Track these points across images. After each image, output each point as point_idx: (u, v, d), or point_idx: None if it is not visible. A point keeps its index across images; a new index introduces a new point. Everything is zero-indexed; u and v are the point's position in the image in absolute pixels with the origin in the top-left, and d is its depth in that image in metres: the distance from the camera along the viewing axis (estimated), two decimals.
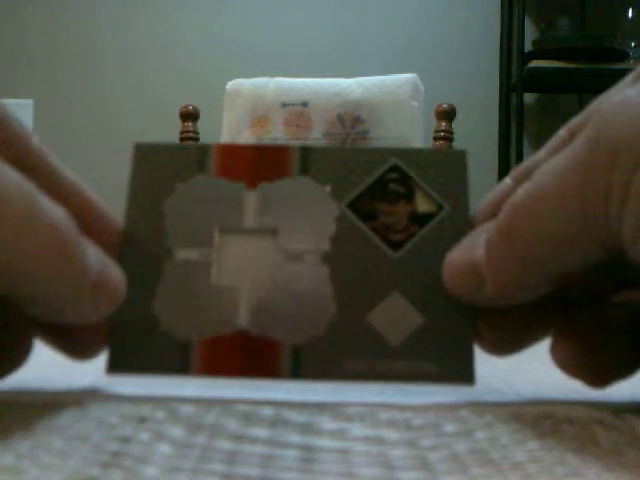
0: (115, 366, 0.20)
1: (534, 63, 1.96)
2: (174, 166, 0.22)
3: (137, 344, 0.20)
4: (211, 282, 0.21)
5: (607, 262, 0.19)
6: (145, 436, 0.16)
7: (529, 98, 2.19)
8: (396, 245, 0.21)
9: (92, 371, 0.25)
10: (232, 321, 0.20)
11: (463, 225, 0.21)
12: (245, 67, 2.06)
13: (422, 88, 1.62)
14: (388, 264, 0.21)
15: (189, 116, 1.66)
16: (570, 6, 2.18)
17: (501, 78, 2.11)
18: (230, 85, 1.66)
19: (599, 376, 0.20)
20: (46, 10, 2.21)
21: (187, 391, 0.21)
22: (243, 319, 0.20)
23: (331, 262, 0.21)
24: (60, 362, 0.27)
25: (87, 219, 0.20)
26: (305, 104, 1.59)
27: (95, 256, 0.19)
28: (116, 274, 0.19)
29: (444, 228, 0.21)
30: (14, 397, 0.19)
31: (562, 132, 0.21)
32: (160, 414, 0.18)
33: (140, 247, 0.21)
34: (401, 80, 1.58)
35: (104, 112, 2.20)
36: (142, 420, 0.17)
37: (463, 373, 0.20)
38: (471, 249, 0.20)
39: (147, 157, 0.22)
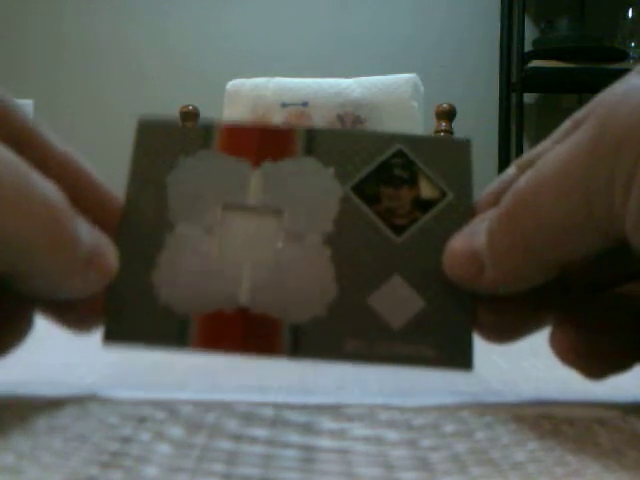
0: (111, 337, 0.20)
1: (534, 63, 1.97)
2: (178, 141, 0.22)
3: (135, 315, 0.20)
4: (212, 258, 0.21)
5: (609, 254, 0.19)
6: (145, 436, 0.16)
7: (529, 98, 2.19)
8: (399, 229, 0.21)
9: (92, 371, 0.25)
10: (233, 298, 0.20)
11: (466, 212, 0.21)
12: (245, 67, 2.06)
13: (422, 88, 1.62)
14: (390, 248, 0.21)
15: (189, 116, 1.66)
16: (570, 6, 2.19)
17: (501, 78, 2.11)
18: (230, 85, 1.66)
19: (597, 367, 0.20)
20: (46, 10, 2.21)
21: (187, 393, 0.21)
22: (244, 296, 0.20)
23: (333, 244, 0.21)
24: (61, 363, 0.27)
25: (84, 193, 0.20)
26: (305, 104, 1.59)
27: (88, 232, 0.19)
28: (109, 250, 0.19)
29: (447, 215, 0.21)
30: (14, 397, 0.19)
31: (568, 123, 0.21)
32: (160, 414, 0.17)
33: (141, 219, 0.21)
34: (401, 80, 1.58)
35: (104, 112, 2.20)
36: (142, 420, 0.17)
37: (461, 358, 0.20)
38: (472, 236, 0.20)
39: (150, 132, 0.22)
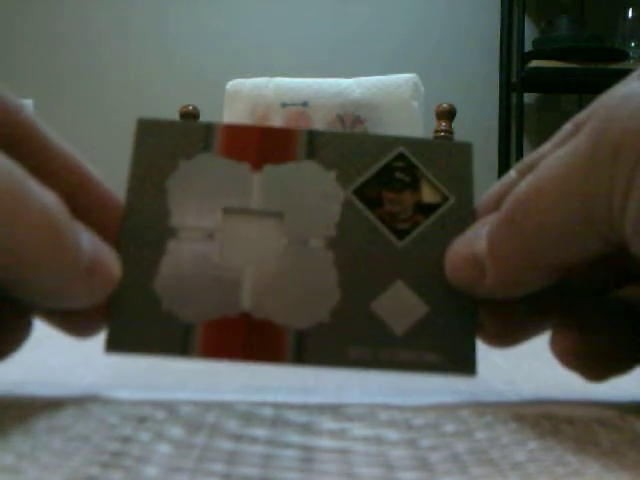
0: (114, 345, 0.20)
1: (534, 63, 1.96)
2: (178, 143, 0.22)
3: (137, 323, 0.20)
4: (214, 263, 0.21)
5: (609, 257, 0.19)
6: (145, 436, 0.16)
7: (529, 98, 2.19)
8: (401, 234, 0.21)
9: (92, 371, 0.25)
10: (235, 303, 0.20)
11: (467, 217, 0.21)
12: (245, 67, 2.06)
13: (422, 88, 1.62)
14: (393, 252, 0.21)
15: (189, 116, 1.66)
16: (570, 6, 2.18)
17: (501, 78, 2.11)
18: (230, 85, 1.66)
19: (596, 369, 0.20)
20: (46, 10, 2.21)
21: (187, 393, 0.21)
22: (246, 302, 0.20)
23: (336, 248, 0.21)
24: (60, 363, 0.27)
25: (84, 192, 0.20)
26: (305, 104, 1.59)
27: (88, 240, 0.18)
28: (110, 258, 0.19)
29: (449, 219, 0.21)
30: (14, 397, 0.19)
31: (568, 126, 0.21)
32: (160, 414, 0.17)
33: (142, 224, 0.21)
34: (401, 80, 1.58)
35: (104, 112, 2.20)
36: (142, 420, 0.17)
37: (465, 364, 0.20)
38: (473, 241, 0.20)
39: (150, 133, 0.22)
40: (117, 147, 2.07)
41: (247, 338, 0.20)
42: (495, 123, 2.10)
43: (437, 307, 0.21)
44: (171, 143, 0.22)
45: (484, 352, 0.22)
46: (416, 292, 0.21)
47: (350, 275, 0.21)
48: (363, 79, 1.60)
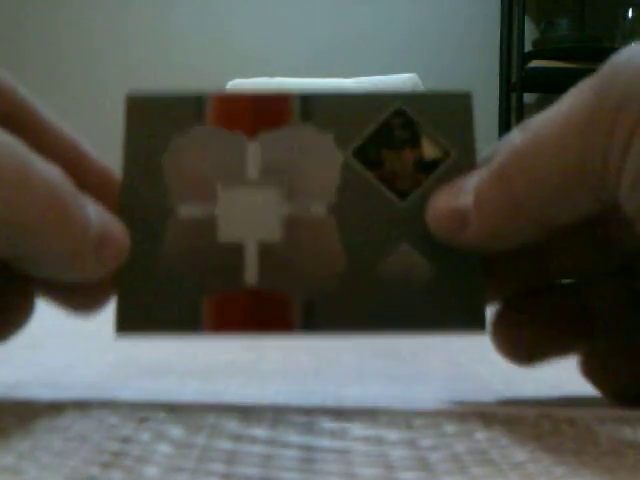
0: (124, 327, 0.20)
1: (534, 63, 1.97)
2: (170, 117, 0.21)
3: (145, 304, 0.20)
4: (216, 238, 0.20)
5: (601, 233, 0.19)
6: (145, 436, 0.16)
7: (529, 98, 2.19)
8: (403, 194, 0.21)
9: (92, 372, 0.25)
10: (240, 276, 0.20)
11: (469, 171, 0.21)
12: (245, 67, 2.06)
13: (422, 88, 1.62)
14: (396, 214, 0.21)
15: None
16: (570, 6, 2.19)
17: (501, 78, 2.11)
18: (230, 85, 1.66)
19: (530, 352, 0.20)
20: (45, 10, 2.21)
21: (187, 394, 0.21)
22: (252, 275, 0.20)
23: (338, 213, 0.21)
24: (60, 363, 0.27)
25: (82, 171, 0.20)
26: None
27: (96, 212, 0.18)
28: (119, 228, 0.19)
29: (451, 175, 0.21)
30: (14, 398, 0.19)
31: (574, 90, 0.21)
32: (160, 414, 0.17)
33: (141, 204, 0.20)
34: (401, 80, 1.58)
35: (104, 112, 2.20)
36: (142, 420, 0.17)
37: (474, 320, 0.20)
38: (459, 190, 0.20)
39: (141, 109, 0.21)
40: (117, 147, 2.07)
41: (255, 310, 0.20)
42: (495, 123, 2.10)
43: (443, 266, 0.20)
44: (163, 118, 0.21)
45: (484, 351, 0.22)
46: (421, 252, 0.20)
47: (355, 240, 0.20)
48: (363, 79, 1.60)
